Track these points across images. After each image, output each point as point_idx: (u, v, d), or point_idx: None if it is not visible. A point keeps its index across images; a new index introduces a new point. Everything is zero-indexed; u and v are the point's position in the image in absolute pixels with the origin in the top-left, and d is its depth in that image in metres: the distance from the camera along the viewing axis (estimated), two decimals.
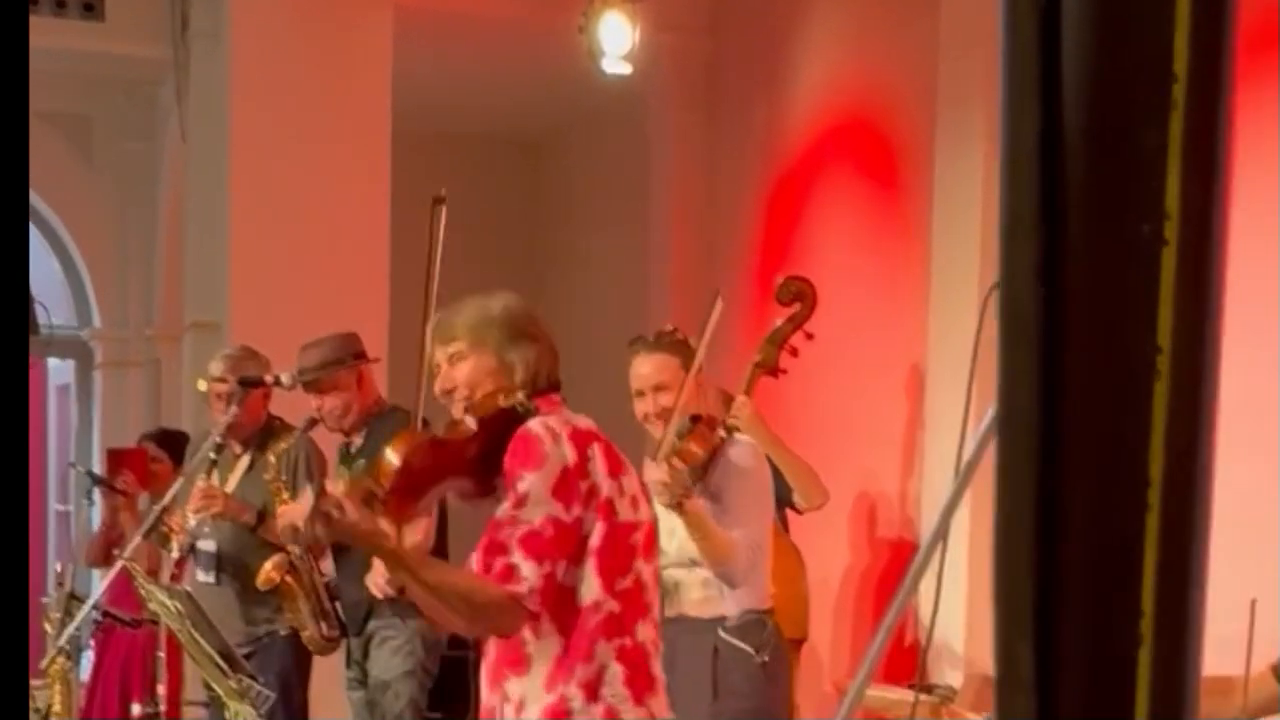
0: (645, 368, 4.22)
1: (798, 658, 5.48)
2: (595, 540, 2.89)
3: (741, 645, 4.19)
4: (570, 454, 2.87)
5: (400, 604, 5.08)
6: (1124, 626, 0.72)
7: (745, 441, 4.34)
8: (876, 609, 6.43)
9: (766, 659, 4.22)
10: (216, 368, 5.42)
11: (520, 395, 2.99)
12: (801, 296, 5.55)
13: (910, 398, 6.27)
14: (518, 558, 2.81)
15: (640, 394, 4.21)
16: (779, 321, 5.55)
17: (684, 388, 4.17)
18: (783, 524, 5.51)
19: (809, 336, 5.51)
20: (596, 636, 2.90)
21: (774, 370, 5.53)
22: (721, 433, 4.23)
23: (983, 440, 1.71)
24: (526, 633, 2.90)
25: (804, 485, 5.44)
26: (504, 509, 2.85)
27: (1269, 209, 4.20)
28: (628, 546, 2.96)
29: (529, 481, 2.83)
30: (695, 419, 4.19)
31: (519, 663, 2.94)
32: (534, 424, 2.90)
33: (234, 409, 5.12)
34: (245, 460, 5.45)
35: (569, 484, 2.85)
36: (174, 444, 6.57)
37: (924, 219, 6.10)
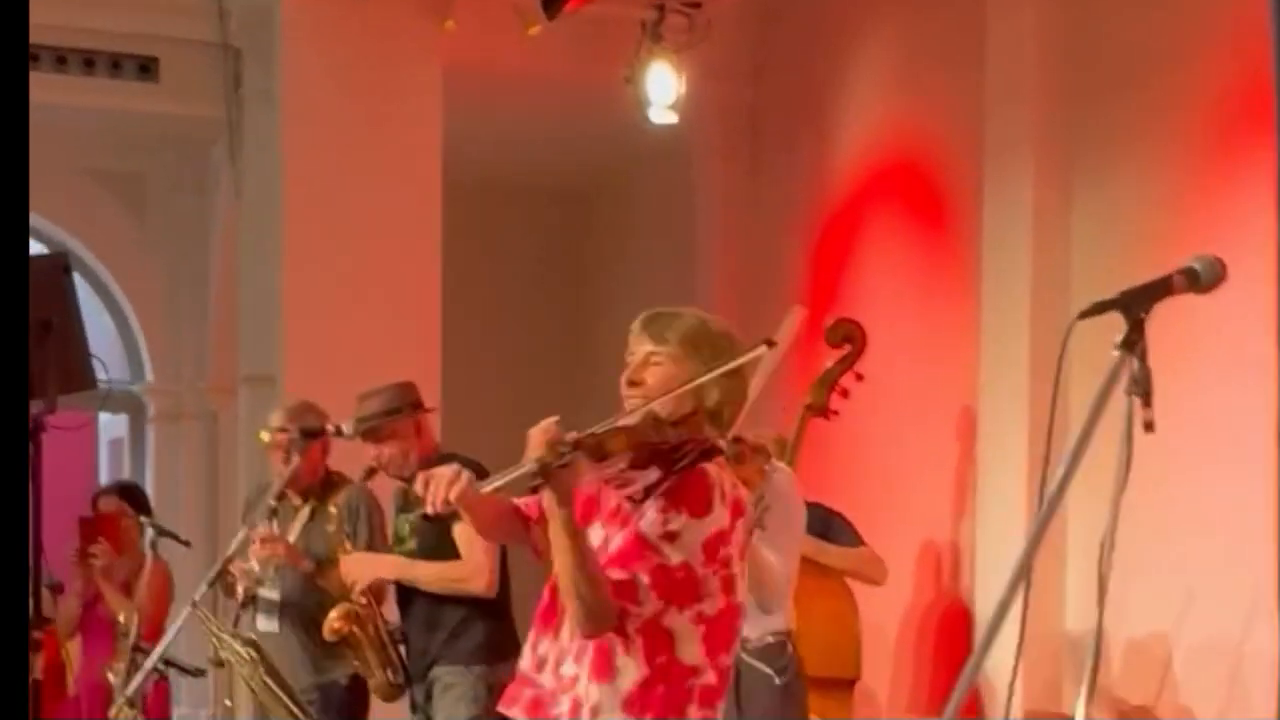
0: None
1: (850, 697, 5.49)
2: (710, 609, 2.90)
3: (763, 668, 4.27)
4: (725, 519, 2.89)
5: (463, 650, 5.13)
6: None
7: (785, 470, 4.49)
8: (931, 649, 6.43)
9: (787, 681, 4.33)
10: (277, 418, 5.51)
11: (728, 436, 2.97)
12: (851, 338, 5.61)
13: (961, 438, 6.28)
14: (644, 583, 2.83)
15: None
16: (829, 364, 5.60)
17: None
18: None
19: (859, 378, 5.55)
20: (690, 700, 2.91)
21: (825, 412, 5.58)
22: (765, 464, 4.36)
23: (1063, 478, 1.74)
24: (620, 646, 2.90)
25: (864, 574, 5.44)
26: (654, 529, 2.86)
27: None
28: (734, 628, 2.99)
29: (686, 523, 2.86)
30: (738, 440, 4.22)
31: (604, 671, 2.92)
32: (715, 470, 2.91)
33: (295, 459, 5.21)
34: (305, 512, 5.53)
35: (716, 545, 2.87)
36: (134, 496, 6.64)
37: (972, 261, 6.13)
